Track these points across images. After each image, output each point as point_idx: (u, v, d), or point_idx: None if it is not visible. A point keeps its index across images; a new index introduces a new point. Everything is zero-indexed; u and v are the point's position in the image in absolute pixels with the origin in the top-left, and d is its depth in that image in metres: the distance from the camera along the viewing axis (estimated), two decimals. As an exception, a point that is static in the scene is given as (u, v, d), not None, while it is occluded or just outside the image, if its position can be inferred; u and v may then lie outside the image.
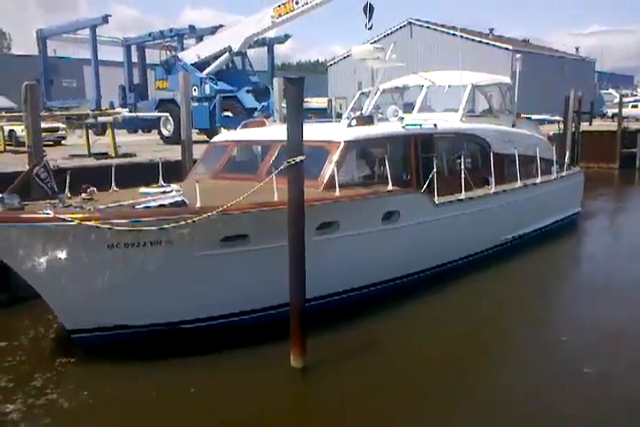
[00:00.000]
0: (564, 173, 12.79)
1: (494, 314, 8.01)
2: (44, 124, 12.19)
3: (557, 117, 18.92)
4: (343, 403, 5.62)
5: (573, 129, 17.99)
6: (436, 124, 9.15)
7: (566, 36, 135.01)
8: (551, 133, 16.61)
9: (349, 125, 8.58)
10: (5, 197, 5.82)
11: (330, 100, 24.46)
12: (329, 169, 7.63)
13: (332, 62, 47.12)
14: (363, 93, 12.26)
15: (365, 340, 6.88)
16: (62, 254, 5.88)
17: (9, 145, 16.80)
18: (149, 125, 24.86)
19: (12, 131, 17.71)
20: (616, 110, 29.70)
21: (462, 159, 9.29)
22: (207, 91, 20.91)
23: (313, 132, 7.53)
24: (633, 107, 37.02)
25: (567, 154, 14.39)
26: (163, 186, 7.34)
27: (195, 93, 20.09)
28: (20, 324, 7.53)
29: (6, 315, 7.87)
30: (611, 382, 5.90)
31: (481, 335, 7.29)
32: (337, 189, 7.25)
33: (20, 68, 34.91)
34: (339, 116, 14.71)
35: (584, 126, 21.55)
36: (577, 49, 53.40)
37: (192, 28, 24.54)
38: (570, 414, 5.36)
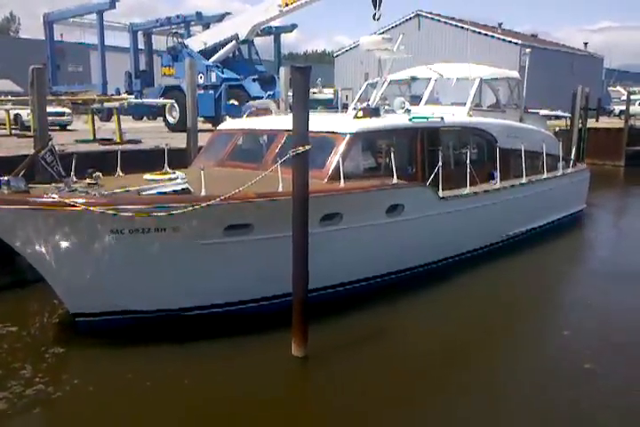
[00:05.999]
0: (569, 170, 12.74)
1: (495, 308, 8.01)
2: (49, 109, 12.18)
3: (563, 113, 18.84)
4: (342, 392, 5.66)
5: (580, 125, 17.90)
6: (442, 118, 9.13)
7: (575, 32, 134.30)
8: (557, 129, 16.54)
9: (356, 117, 8.56)
10: (11, 179, 5.82)
11: (336, 91, 24.37)
12: (334, 160, 7.61)
13: (338, 53, 46.88)
14: (370, 84, 12.20)
15: (366, 331, 6.90)
16: (67, 238, 5.91)
17: (15, 129, 16.78)
18: (155, 112, 24.80)
19: (17, 115, 17.69)
20: (623, 107, 29.50)
21: (468, 153, 9.26)
22: (213, 79, 20.85)
23: (319, 122, 7.50)
24: (640, 105, 36.72)
25: (573, 150, 14.32)
26: (168, 173, 7.34)
27: (200, 81, 20.02)
28: (23, 307, 7.56)
29: (10, 298, 7.87)
30: (608, 379, 5.92)
31: (481, 329, 7.30)
32: (342, 180, 7.25)
33: (27, 53, 34.83)
34: (344, 106, 14.66)
35: (590, 123, 21.42)
36: (585, 44, 52.92)
37: (199, 14, 24.44)
38: (566, 405, 5.40)
